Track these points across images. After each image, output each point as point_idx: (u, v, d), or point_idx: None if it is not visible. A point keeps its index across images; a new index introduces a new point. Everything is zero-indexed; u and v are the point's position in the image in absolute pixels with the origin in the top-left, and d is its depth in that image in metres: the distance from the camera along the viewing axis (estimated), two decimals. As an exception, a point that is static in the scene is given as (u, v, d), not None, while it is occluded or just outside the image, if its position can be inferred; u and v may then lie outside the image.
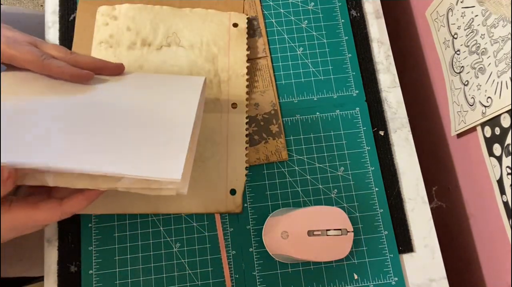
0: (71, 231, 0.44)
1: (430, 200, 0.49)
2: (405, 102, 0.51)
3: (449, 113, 0.50)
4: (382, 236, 0.45)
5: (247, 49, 0.50)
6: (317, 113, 0.49)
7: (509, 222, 0.41)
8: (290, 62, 0.51)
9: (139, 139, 0.34)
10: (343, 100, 0.50)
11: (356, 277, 0.44)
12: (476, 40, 0.43)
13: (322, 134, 0.49)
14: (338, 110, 0.50)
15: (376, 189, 0.47)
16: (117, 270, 0.43)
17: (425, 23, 0.53)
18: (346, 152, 0.48)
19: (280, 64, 0.51)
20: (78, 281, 0.43)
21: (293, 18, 0.53)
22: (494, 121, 0.41)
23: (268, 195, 0.46)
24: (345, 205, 0.46)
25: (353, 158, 0.48)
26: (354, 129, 0.49)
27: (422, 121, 0.58)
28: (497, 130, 0.41)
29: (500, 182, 0.41)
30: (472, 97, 0.44)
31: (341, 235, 0.39)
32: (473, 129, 0.46)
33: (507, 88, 0.38)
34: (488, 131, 0.43)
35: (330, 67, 0.51)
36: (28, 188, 0.37)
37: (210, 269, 0.44)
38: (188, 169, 0.36)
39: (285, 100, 0.50)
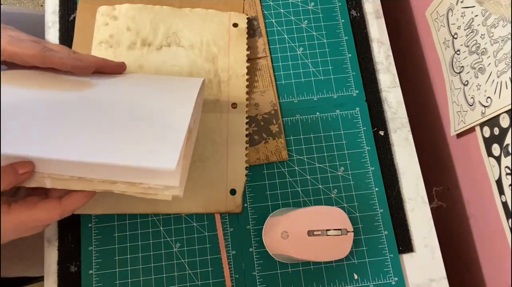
0: (71, 231, 0.44)
1: (430, 200, 0.49)
2: (405, 102, 0.51)
3: (449, 113, 0.50)
4: (382, 236, 0.45)
5: (247, 49, 0.50)
6: (317, 113, 0.49)
7: (508, 223, 0.41)
8: (290, 62, 0.51)
9: (135, 134, 0.34)
10: (343, 100, 0.50)
11: (356, 277, 0.44)
12: (476, 40, 0.43)
13: (322, 134, 0.49)
14: (338, 110, 0.50)
15: (376, 189, 0.47)
16: (117, 270, 0.43)
17: (425, 23, 0.53)
18: (346, 152, 0.48)
19: (280, 64, 0.51)
20: (78, 281, 0.43)
21: (293, 18, 0.53)
22: (493, 121, 0.41)
23: (268, 195, 0.46)
24: (345, 205, 0.46)
25: (353, 158, 0.48)
26: (354, 129, 0.49)
27: (422, 121, 0.58)
28: (496, 130, 0.41)
29: (499, 182, 0.41)
30: (472, 97, 0.44)
31: (341, 235, 0.39)
32: (473, 129, 0.46)
33: (506, 88, 0.38)
34: (487, 131, 0.43)
35: (330, 67, 0.51)
36: (26, 190, 0.37)
37: (210, 269, 0.44)
38: (184, 174, 0.36)
39: (285, 100, 0.50)
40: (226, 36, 0.50)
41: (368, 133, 0.49)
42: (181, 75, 0.48)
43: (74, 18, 0.51)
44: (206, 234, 0.45)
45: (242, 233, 0.45)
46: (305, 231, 0.39)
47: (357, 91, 0.50)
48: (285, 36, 0.52)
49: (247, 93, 0.48)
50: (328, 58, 0.51)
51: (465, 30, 0.44)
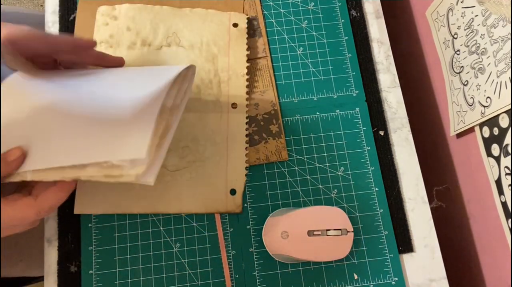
0: (71, 231, 0.44)
1: (430, 200, 0.49)
2: (405, 102, 0.51)
3: (448, 113, 0.50)
4: (382, 236, 0.45)
5: (247, 49, 0.50)
6: (317, 113, 0.49)
7: (508, 223, 0.41)
8: (290, 62, 0.51)
9: (102, 124, 0.34)
10: (343, 100, 0.50)
11: (356, 277, 0.44)
12: (476, 40, 0.43)
13: (322, 134, 0.49)
14: (338, 110, 0.50)
15: (376, 189, 0.47)
16: (117, 270, 0.43)
17: (425, 23, 0.53)
18: (346, 152, 0.48)
19: (280, 64, 0.51)
20: (78, 281, 0.43)
21: (293, 18, 0.53)
22: (492, 121, 0.41)
23: (268, 195, 0.46)
24: (345, 205, 0.46)
25: (353, 158, 0.48)
26: (354, 129, 0.49)
27: (422, 121, 0.58)
28: (496, 130, 0.41)
29: (498, 182, 0.41)
30: (472, 97, 0.44)
31: (341, 235, 0.39)
32: (472, 129, 0.46)
33: (506, 88, 0.38)
34: (486, 131, 0.43)
35: (330, 67, 0.51)
36: (14, 188, 0.37)
37: (210, 269, 0.44)
38: (159, 161, 0.35)
39: (285, 100, 0.50)
40: (226, 36, 0.50)
41: (368, 133, 0.49)
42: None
43: (74, 18, 0.51)
44: (206, 234, 0.45)
45: (242, 233, 0.45)
46: (305, 231, 0.39)
47: (357, 91, 0.50)
48: (285, 36, 0.52)
49: (247, 93, 0.48)
50: (328, 58, 0.51)
51: (465, 30, 0.44)
